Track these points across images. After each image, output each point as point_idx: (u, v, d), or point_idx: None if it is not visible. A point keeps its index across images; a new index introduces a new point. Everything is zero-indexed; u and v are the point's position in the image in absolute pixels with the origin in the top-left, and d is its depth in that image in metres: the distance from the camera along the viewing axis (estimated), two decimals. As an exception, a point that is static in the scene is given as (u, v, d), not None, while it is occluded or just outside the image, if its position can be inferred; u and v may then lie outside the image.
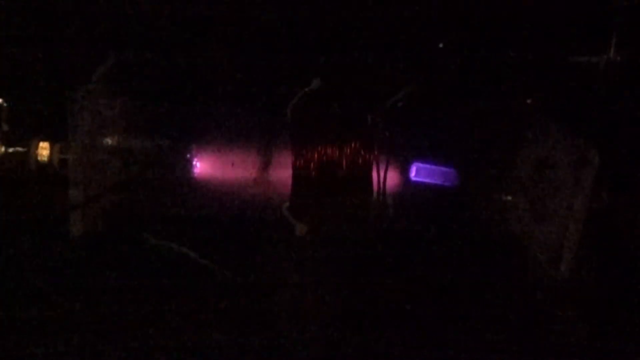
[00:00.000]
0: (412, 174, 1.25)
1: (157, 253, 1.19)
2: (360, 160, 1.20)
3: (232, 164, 1.20)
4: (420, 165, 1.24)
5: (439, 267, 1.22)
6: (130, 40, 1.21)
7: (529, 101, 1.22)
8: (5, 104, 1.18)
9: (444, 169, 1.24)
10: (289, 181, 1.19)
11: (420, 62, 1.24)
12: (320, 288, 1.18)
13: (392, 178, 1.24)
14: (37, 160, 1.16)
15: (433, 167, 1.25)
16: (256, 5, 1.22)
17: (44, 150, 1.17)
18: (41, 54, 1.20)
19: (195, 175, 1.19)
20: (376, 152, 1.20)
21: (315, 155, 1.17)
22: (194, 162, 1.19)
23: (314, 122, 1.18)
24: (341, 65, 1.23)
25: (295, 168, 1.17)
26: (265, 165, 1.21)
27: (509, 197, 1.26)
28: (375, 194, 1.24)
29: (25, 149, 1.16)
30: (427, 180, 1.26)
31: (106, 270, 1.17)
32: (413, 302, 1.17)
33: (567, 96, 1.24)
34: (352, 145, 1.16)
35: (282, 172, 1.21)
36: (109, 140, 1.18)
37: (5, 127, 1.18)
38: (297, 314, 1.14)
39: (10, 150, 1.16)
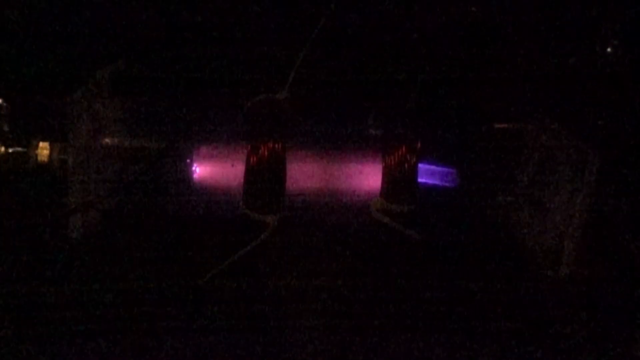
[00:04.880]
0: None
1: (157, 253, 1.19)
2: (398, 164, 1.19)
3: (232, 164, 1.20)
4: (421, 165, 1.24)
5: (439, 266, 1.22)
6: (129, 41, 1.21)
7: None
8: (5, 104, 1.17)
9: (444, 169, 1.24)
10: (290, 181, 1.20)
11: (422, 64, 1.24)
12: (320, 287, 1.18)
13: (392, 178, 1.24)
14: (37, 160, 1.16)
15: (434, 167, 1.25)
16: (256, 6, 1.22)
17: (44, 150, 1.16)
18: (41, 55, 1.20)
19: (195, 179, 1.19)
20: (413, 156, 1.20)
21: (268, 150, 1.17)
22: (194, 167, 1.19)
23: (267, 119, 1.18)
24: (343, 66, 1.24)
25: (247, 164, 1.17)
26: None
27: (510, 198, 1.26)
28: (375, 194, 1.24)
29: (25, 149, 1.16)
30: (428, 180, 1.26)
31: (106, 270, 1.17)
32: (413, 301, 1.16)
33: (568, 98, 1.24)
34: (405, 150, 1.17)
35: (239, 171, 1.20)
36: (108, 141, 1.18)
37: (5, 127, 1.18)
38: (298, 314, 1.14)
39: (10, 150, 1.16)
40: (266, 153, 1.15)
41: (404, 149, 1.18)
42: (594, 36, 1.24)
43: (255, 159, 1.16)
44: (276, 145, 1.16)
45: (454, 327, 1.11)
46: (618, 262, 1.19)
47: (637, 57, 1.23)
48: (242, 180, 1.19)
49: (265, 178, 1.17)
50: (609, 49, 1.23)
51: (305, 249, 1.23)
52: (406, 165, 1.18)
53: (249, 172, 1.16)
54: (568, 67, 1.26)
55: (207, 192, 1.20)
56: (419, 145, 1.19)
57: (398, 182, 1.19)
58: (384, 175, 1.20)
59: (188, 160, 1.19)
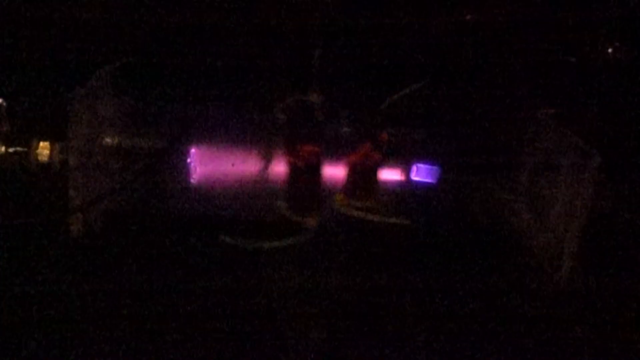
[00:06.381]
0: (412, 173, 1.26)
1: (157, 253, 1.19)
2: (362, 160, 1.20)
3: (232, 164, 1.20)
4: (420, 165, 1.24)
5: (439, 267, 1.22)
6: (129, 41, 1.21)
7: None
8: (5, 104, 1.17)
9: (427, 166, 1.25)
10: (284, 179, 1.20)
11: (422, 64, 1.24)
12: (319, 287, 1.18)
13: (392, 178, 1.24)
14: (37, 160, 1.16)
15: (433, 167, 1.25)
16: (256, 6, 1.22)
17: (44, 150, 1.16)
18: (41, 54, 1.20)
19: (195, 179, 1.19)
20: (378, 152, 1.21)
21: (308, 152, 1.18)
22: (194, 167, 1.19)
23: (306, 121, 1.19)
24: (342, 66, 1.23)
25: (290, 166, 1.18)
26: (266, 166, 1.22)
27: (510, 199, 1.26)
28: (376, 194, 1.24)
29: (25, 149, 1.16)
30: (427, 180, 1.26)
31: (106, 270, 1.17)
32: (413, 302, 1.16)
33: (568, 98, 1.24)
34: (370, 148, 1.18)
35: (283, 172, 1.21)
36: (108, 141, 1.18)
37: (5, 127, 1.18)
38: (298, 314, 1.14)
39: (11, 150, 1.16)
40: (307, 155, 1.17)
41: (366, 146, 1.20)
42: (594, 36, 1.24)
43: (296, 161, 1.17)
44: (314, 147, 1.18)
45: (452, 327, 1.11)
46: (618, 262, 1.19)
47: (637, 57, 1.23)
48: (242, 180, 1.19)
49: (307, 181, 1.18)
50: (609, 49, 1.23)
51: (304, 248, 1.23)
52: (367, 162, 1.20)
53: (292, 174, 1.18)
54: (568, 67, 1.26)
55: (207, 192, 1.20)
56: (383, 144, 1.20)
57: (357, 178, 1.21)
58: (347, 171, 1.21)
59: (187, 160, 1.19)
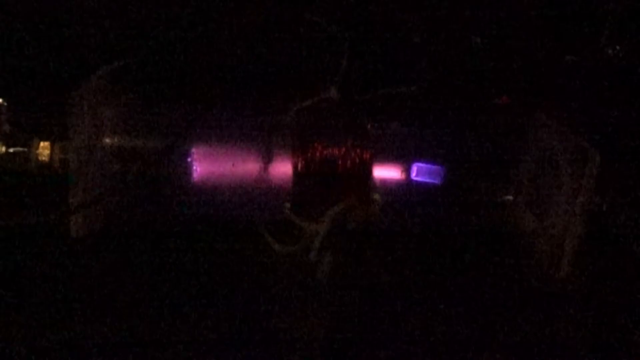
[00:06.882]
0: (412, 173, 1.26)
1: (157, 253, 1.19)
2: (359, 160, 1.20)
3: (233, 164, 1.20)
4: (420, 165, 1.24)
5: (438, 267, 1.22)
6: (130, 40, 1.21)
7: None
8: (5, 104, 1.17)
9: (432, 166, 1.25)
10: (290, 181, 1.20)
11: (422, 63, 1.24)
12: (320, 287, 1.18)
13: (392, 178, 1.24)
14: (37, 160, 1.16)
15: (433, 166, 1.25)
16: (257, 6, 1.23)
17: (44, 150, 1.16)
18: (41, 54, 1.20)
19: (195, 179, 1.19)
20: (374, 152, 1.21)
21: (317, 155, 1.18)
22: (194, 167, 1.19)
23: (316, 123, 1.19)
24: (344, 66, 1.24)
25: (295, 168, 1.18)
26: (266, 166, 1.21)
27: (510, 197, 1.26)
28: (374, 194, 1.24)
29: (25, 149, 1.16)
30: (427, 179, 1.26)
31: (106, 270, 1.17)
32: (412, 301, 1.17)
33: (568, 96, 1.24)
34: (352, 145, 1.17)
35: (283, 172, 1.21)
36: (108, 141, 1.18)
37: (5, 127, 1.18)
38: (298, 314, 1.14)
39: (11, 150, 1.16)
40: (319, 158, 1.17)
41: (349, 142, 1.19)
42: (595, 34, 1.24)
43: (307, 164, 1.17)
44: (330, 151, 1.17)
45: (452, 327, 1.11)
46: (618, 262, 1.19)
47: (637, 57, 1.23)
48: (242, 180, 1.19)
49: (318, 184, 1.18)
50: (609, 50, 1.23)
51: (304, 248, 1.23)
52: (357, 159, 1.20)
53: (299, 177, 1.17)
54: (569, 66, 1.26)
55: (207, 192, 1.20)
56: (369, 137, 1.20)
57: (352, 179, 1.20)
58: (340, 171, 1.21)
59: (188, 160, 1.19)
